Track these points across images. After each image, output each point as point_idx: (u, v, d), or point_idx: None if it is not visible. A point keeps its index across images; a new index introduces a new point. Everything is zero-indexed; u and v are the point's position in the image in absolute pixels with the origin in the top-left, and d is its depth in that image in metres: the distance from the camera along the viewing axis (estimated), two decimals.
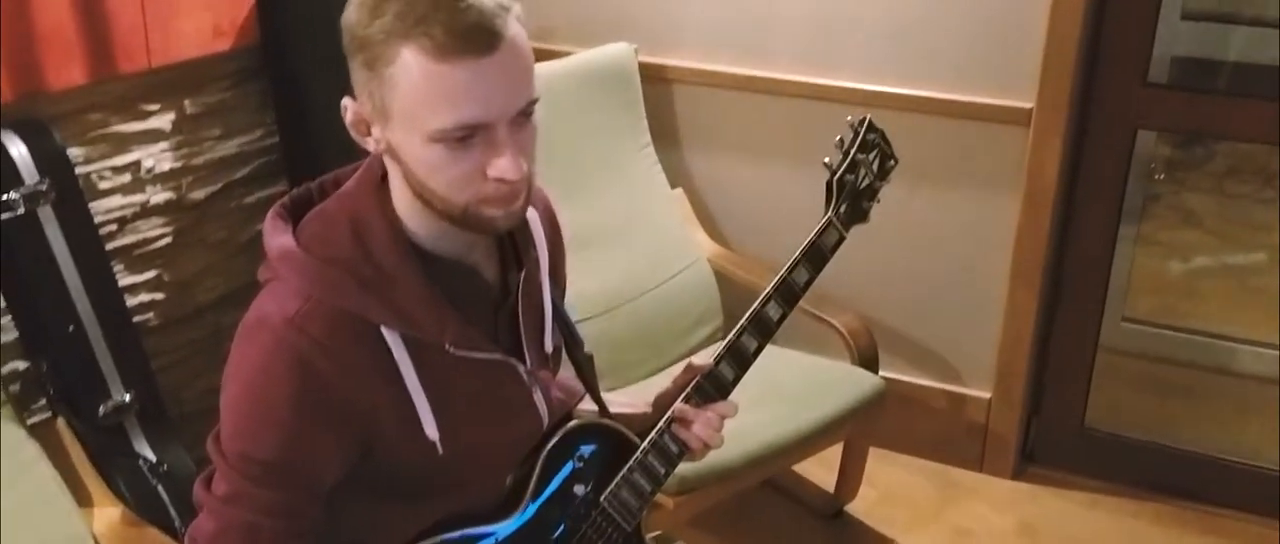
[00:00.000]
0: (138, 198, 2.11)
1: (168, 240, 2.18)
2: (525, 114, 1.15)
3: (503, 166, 1.13)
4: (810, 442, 2.33)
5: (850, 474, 2.59)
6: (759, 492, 2.63)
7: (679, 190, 2.84)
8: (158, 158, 2.13)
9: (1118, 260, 2.70)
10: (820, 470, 2.64)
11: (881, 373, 2.50)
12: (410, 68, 1.09)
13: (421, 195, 1.18)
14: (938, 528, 2.62)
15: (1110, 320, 2.78)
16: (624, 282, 2.62)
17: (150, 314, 2.18)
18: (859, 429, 2.48)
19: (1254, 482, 2.65)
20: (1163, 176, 3.28)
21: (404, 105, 1.12)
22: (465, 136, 1.12)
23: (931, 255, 2.69)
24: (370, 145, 1.20)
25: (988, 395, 2.75)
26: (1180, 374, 3.02)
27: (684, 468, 2.08)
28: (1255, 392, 2.87)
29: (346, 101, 1.19)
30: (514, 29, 1.12)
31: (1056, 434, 2.82)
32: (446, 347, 1.22)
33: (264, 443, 1.19)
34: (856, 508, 2.65)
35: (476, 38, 1.08)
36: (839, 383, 2.43)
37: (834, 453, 2.53)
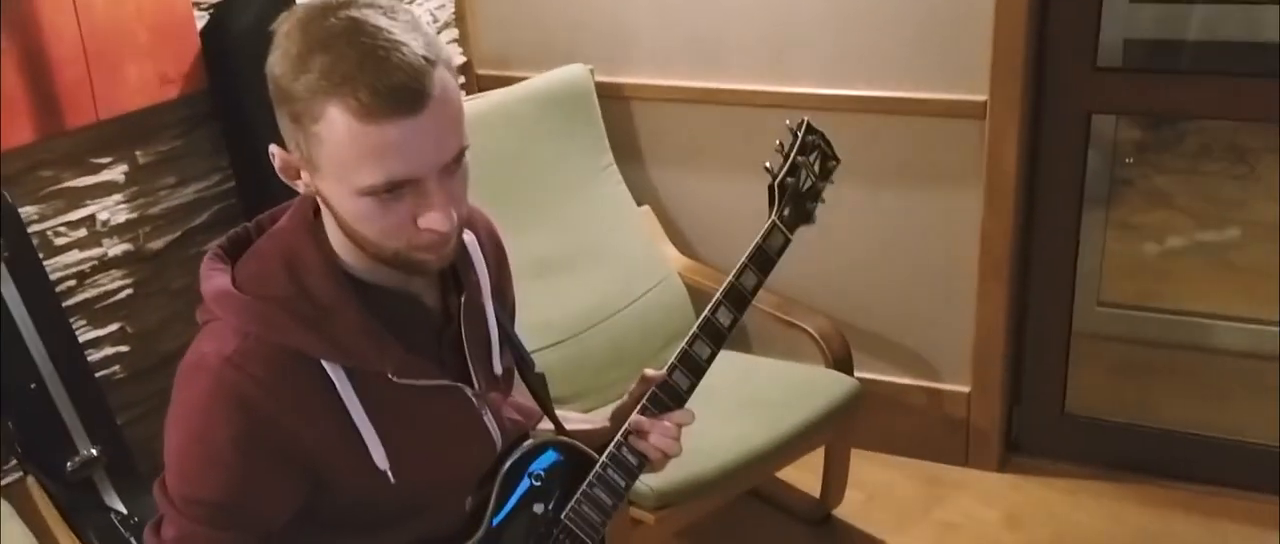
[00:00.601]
0: (95, 251, 2.11)
1: (129, 292, 2.17)
2: (455, 161, 1.15)
3: (433, 219, 1.13)
4: (790, 448, 2.33)
5: (834, 478, 2.58)
6: (744, 502, 2.62)
7: (645, 207, 2.85)
8: (113, 210, 2.12)
9: (1089, 245, 2.70)
10: (805, 476, 2.64)
11: (858, 374, 2.50)
12: (336, 126, 1.09)
13: (353, 239, 1.18)
14: (926, 525, 2.61)
15: (1085, 306, 2.78)
16: (596, 302, 2.62)
17: (116, 367, 2.17)
18: (839, 432, 2.47)
19: (1239, 457, 2.64)
20: (1133, 160, 3.29)
21: (331, 161, 1.11)
22: (394, 189, 1.11)
23: (899, 254, 2.70)
24: (300, 188, 1.20)
25: (967, 389, 2.75)
26: (1159, 355, 3.02)
27: (664, 481, 2.09)
28: (1236, 367, 2.87)
29: (274, 149, 1.19)
30: (441, 83, 1.11)
31: (1038, 423, 2.81)
32: (390, 376, 1.22)
33: (209, 484, 1.19)
34: (844, 512, 2.64)
35: (404, 98, 1.07)
36: (814, 387, 2.43)
37: (817, 458, 2.52)
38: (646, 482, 1.98)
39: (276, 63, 1.12)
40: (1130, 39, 2.78)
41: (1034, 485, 2.72)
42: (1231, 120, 2.67)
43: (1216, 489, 2.64)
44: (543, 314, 2.49)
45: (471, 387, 1.32)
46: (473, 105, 2.58)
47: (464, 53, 2.89)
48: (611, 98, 2.80)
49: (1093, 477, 2.72)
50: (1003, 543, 2.54)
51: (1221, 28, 2.89)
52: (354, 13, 1.10)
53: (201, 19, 2.20)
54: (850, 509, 2.64)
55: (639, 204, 2.83)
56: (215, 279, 1.23)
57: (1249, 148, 3.31)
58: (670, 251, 2.82)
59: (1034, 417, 2.81)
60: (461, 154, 1.15)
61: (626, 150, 2.84)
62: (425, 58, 1.09)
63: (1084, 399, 2.79)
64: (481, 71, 2.92)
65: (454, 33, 2.86)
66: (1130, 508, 2.62)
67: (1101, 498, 2.66)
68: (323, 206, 1.21)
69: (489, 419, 1.35)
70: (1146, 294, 3.11)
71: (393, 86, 1.07)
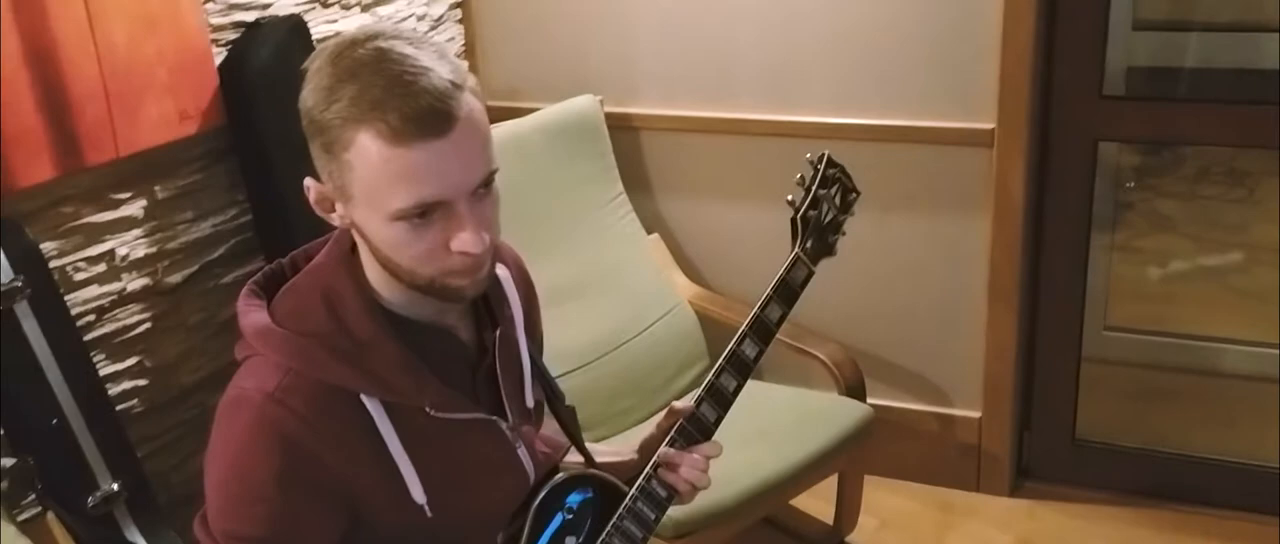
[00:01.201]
0: (114, 286, 2.12)
1: (147, 326, 2.18)
2: (485, 185, 1.16)
3: (465, 240, 1.15)
4: (803, 475, 2.33)
5: (848, 505, 2.59)
6: (758, 530, 2.63)
7: (655, 236, 2.86)
8: (131, 245, 2.13)
9: (1095, 270, 2.73)
10: (818, 503, 2.64)
11: (870, 401, 2.51)
12: (367, 152, 1.10)
13: (388, 268, 1.19)
14: None
15: (1092, 330, 2.80)
16: (607, 332, 2.63)
17: (135, 401, 2.17)
18: (852, 459, 2.48)
19: (1250, 481, 2.66)
20: (1133, 184, 3.32)
21: (363, 188, 1.13)
22: (426, 212, 1.13)
23: (909, 281, 2.71)
24: (335, 220, 1.22)
25: (978, 415, 2.76)
26: (1166, 378, 3.03)
27: (680, 511, 2.09)
28: (1242, 391, 2.89)
29: (309, 182, 1.20)
30: (468, 105, 1.13)
31: (1049, 448, 2.82)
32: (427, 410, 1.23)
33: (251, 520, 1.19)
34: (857, 538, 2.64)
35: (432, 121, 1.09)
36: (827, 414, 2.44)
37: (831, 485, 2.53)
38: (668, 511, 1.98)
39: (308, 96, 1.14)
40: (1132, 67, 2.81)
41: (1046, 510, 2.73)
42: (1236, 147, 2.70)
43: (1227, 513, 2.65)
44: (553, 343, 2.47)
45: (506, 420, 1.33)
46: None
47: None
48: (620, 128, 2.83)
49: (1104, 502, 2.73)
50: None
51: (1220, 55, 2.92)
52: (381, 43, 1.12)
53: (220, 55, 2.22)
54: (863, 536, 2.65)
55: (648, 233, 2.84)
56: (253, 315, 1.24)
57: (1248, 172, 3.34)
58: (680, 280, 2.84)
59: (1045, 442, 2.83)
60: (491, 177, 1.17)
61: (636, 180, 2.86)
62: (452, 82, 1.12)
63: (1094, 424, 2.81)
64: (491, 103, 2.94)
65: (464, 64, 2.88)
66: (1141, 532, 2.63)
67: (1113, 523, 2.67)
68: (358, 240, 1.23)
69: (523, 452, 1.36)
70: (1151, 318, 3.13)
71: (421, 110, 1.09)
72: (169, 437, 2.23)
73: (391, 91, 1.09)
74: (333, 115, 1.11)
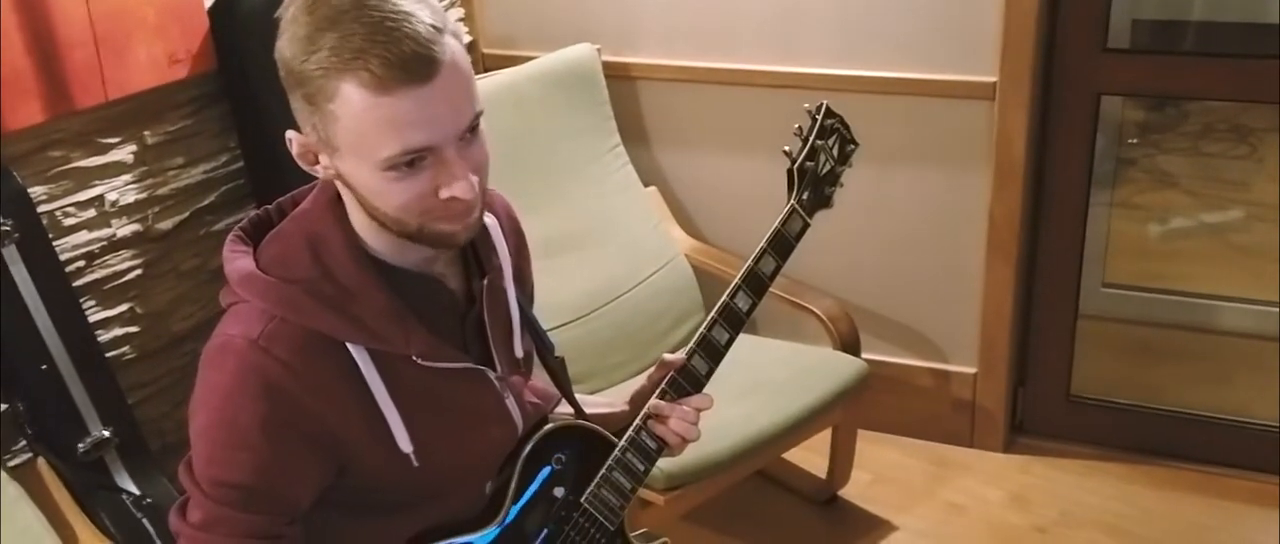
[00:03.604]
0: (104, 232, 2.10)
1: (138, 272, 2.17)
2: (472, 129, 1.14)
3: (456, 187, 1.13)
4: (798, 429, 2.33)
5: (841, 459, 2.59)
6: (751, 483, 2.63)
7: (652, 188, 2.84)
8: (122, 191, 2.12)
9: (1094, 226, 2.71)
10: (812, 457, 2.65)
11: (866, 355, 2.50)
12: (351, 101, 1.09)
13: (376, 218, 1.18)
14: (931, 506, 2.62)
15: (1090, 287, 2.78)
16: (603, 284, 2.61)
17: (126, 347, 2.17)
18: (846, 413, 2.48)
19: (1244, 438, 2.66)
20: (1136, 140, 3.29)
21: (349, 138, 1.11)
22: (414, 161, 1.11)
23: (907, 235, 2.70)
24: (319, 172, 1.20)
25: (973, 370, 2.75)
26: (1164, 336, 3.03)
27: (673, 463, 2.10)
28: (1239, 348, 2.89)
29: (291, 134, 1.18)
30: (451, 50, 1.11)
31: (1044, 404, 2.82)
32: (414, 358, 1.22)
33: (237, 467, 1.18)
34: (850, 492, 2.65)
35: (416, 67, 1.07)
36: (822, 369, 2.43)
37: (824, 439, 2.52)
38: (658, 463, 1.98)
39: (285, 46, 1.12)
40: (1137, 20, 2.78)
41: (1039, 466, 2.74)
42: (1239, 101, 2.67)
43: (1222, 470, 2.65)
44: (549, 296, 2.46)
45: (494, 370, 1.32)
46: (479, 85, 2.55)
47: (470, 32, 2.88)
48: (618, 78, 2.79)
49: (1098, 457, 2.74)
50: (1008, 523, 2.56)
51: (1227, 8, 2.89)
52: None
53: None
54: (857, 490, 2.65)
55: (646, 185, 2.82)
56: (239, 261, 1.22)
57: (1252, 128, 3.32)
58: (677, 233, 2.82)
59: (1040, 398, 2.82)
60: (477, 121, 1.15)
61: (633, 131, 2.83)
62: (433, 26, 1.09)
63: (1089, 380, 2.80)
64: (488, 51, 2.91)
65: (460, 12, 2.85)
66: (1135, 488, 2.64)
67: (1106, 478, 2.68)
68: (343, 191, 1.21)
69: (511, 402, 1.35)
70: (1150, 275, 3.12)
71: (404, 56, 1.07)
72: (161, 383, 2.23)
73: (373, 39, 1.06)
74: (313, 66, 1.09)
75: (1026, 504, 2.61)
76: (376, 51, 1.06)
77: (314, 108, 1.12)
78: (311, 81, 1.10)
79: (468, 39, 2.88)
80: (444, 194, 1.13)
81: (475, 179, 1.15)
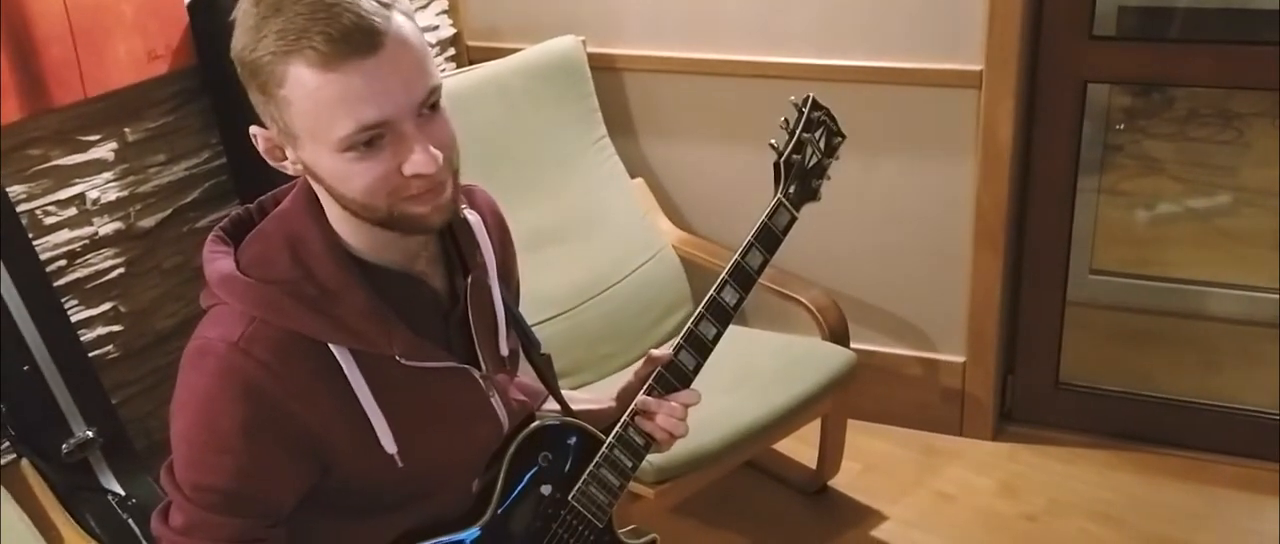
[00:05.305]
0: (85, 230, 2.08)
1: (120, 271, 2.15)
2: (430, 105, 1.13)
3: (417, 162, 1.11)
4: (787, 420, 2.32)
5: (831, 449, 2.59)
6: (741, 474, 2.62)
7: (639, 180, 2.83)
8: (102, 188, 2.09)
9: (1082, 213, 2.70)
10: (801, 448, 2.64)
11: (854, 346, 2.49)
12: (301, 82, 1.08)
13: (346, 207, 1.16)
14: (921, 495, 2.62)
15: (1078, 274, 2.78)
16: (590, 277, 2.60)
17: (109, 347, 2.15)
18: (835, 404, 2.47)
19: (1233, 424, 2.66)
20: (1123, 126, 3.29)
21: (304, 122, 1.10)
22: (372, 140, 1.10)
23: (894, 224, 2.69)
24: (288, 168, 1.18)
25: (961, 359, 2.75)
26: (1151, 322, 3.03)
27: (663, 456, 2.07)
28: (1227, 334, 2.89)
29: (255, 130, 1.17)
30: (397, 22, 1.10)
31: (1033, 392, 2.82)
32: (397, 358, 1.21)
33: (218, 471, 1.17)
34: (839, 482, 2.65)
35: (359, 39, 1.06)
36: (811, 359, 2.42)
37: (814, 430, 2.52)
38: (647, 458, 1.97)
39: (237, 40, 1.12)
40: (1124, 7, 2.77)
41: (1029, 454, 2.74)
42: (1227, 88, 2.66)
43: (1211, 456, 2.65)
44: (536, 289, 2.45)
45: (479, 368, 1.30)
46: (463, 78, 2.55)
47: (454, 25, 2.86)
48: (604, 69, 2.78)
49: (1087, 445, 2.74)
50: (998, 511, 2.56)
51: None
52: None
53: None
54: (846, 480, 2.65)
55: (632, 177, 2.81)
56: (219, 262, 1.21)
57: (1238, 114, 3.32)
58: (664, 225, 2.81)
59: (1028, 386, 2.82)
60: (435, 98, 1.13)
61: (619, 123, 2.82)
62: (378, 1, 1.09)
63: (1078, 367, 2.80)
64: (471, 43, 2.89)
65: (443, 4, 2.83)
66: (1125, 475, 2.64)
67: (1096, 466, 2.68)
68: (315, 186, 1.19)
69: (496, 401, 1.34)
70: (1138, 262, 3.12)
71: (345, 29, 1.06)
72: (145, 382, 2.21)
73: (314, 18, 1.06)
74: (262, 53, 1.08)
75: (1016, 492, 2.61)
76: (318, 28, 1.06)
77: (268, 97, 1.11)
78: (262, 70, 1.09)
79: (451, 31, 2.86)
80: (407, 170, 1.12)
81: (439, 154, 1.12)
